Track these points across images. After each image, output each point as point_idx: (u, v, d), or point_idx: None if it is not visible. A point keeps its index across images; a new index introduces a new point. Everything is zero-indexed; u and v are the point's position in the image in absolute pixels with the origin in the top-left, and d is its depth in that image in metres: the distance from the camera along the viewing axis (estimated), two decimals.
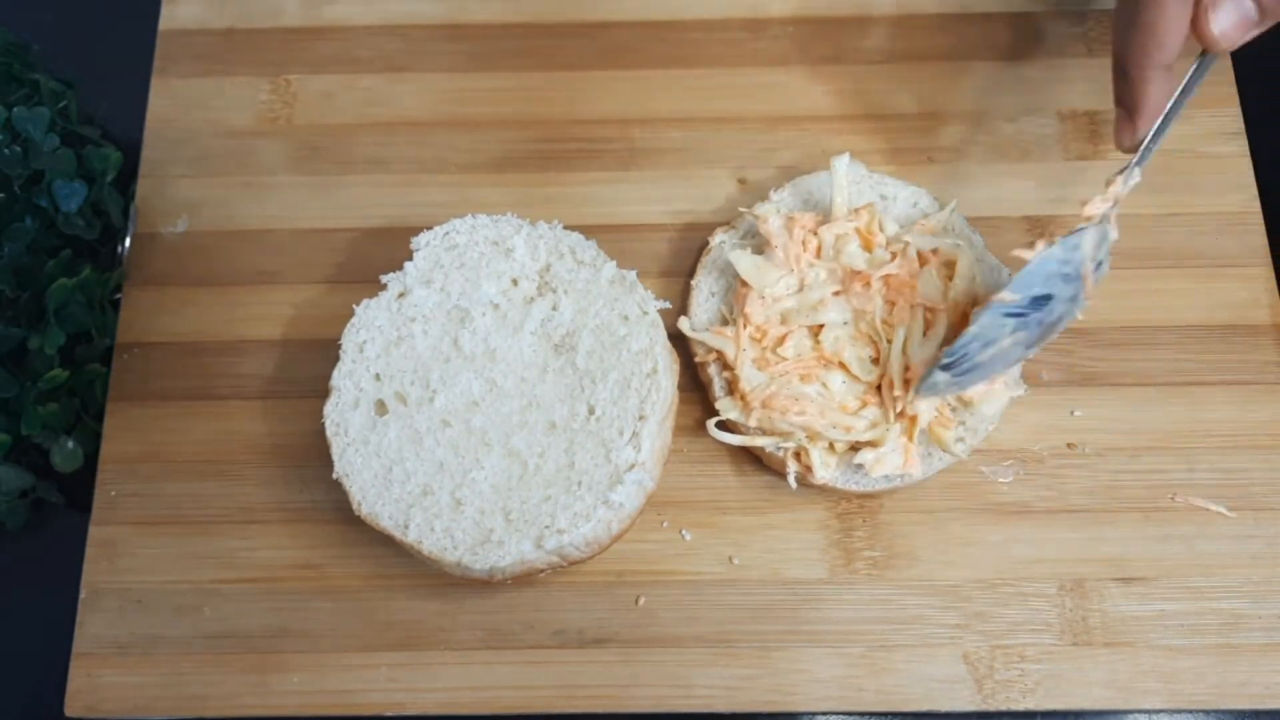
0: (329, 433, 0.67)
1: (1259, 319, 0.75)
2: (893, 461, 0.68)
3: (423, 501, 0.65)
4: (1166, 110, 0.64)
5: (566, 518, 0.64)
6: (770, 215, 0.72)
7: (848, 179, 0.73)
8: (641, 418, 0.66)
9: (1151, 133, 0.64)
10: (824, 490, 0.70)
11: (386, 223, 0.79)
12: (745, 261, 0.71)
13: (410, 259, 0.71)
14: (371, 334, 0.69)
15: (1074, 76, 0.82)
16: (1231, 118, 0.81)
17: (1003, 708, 0.67)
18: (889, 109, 0.82)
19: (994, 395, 0.69)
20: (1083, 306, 0.66)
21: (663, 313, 0.70)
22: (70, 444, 0.74)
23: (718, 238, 0.76)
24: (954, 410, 0.69)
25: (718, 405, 0.70)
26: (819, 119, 0.82)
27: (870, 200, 0.74)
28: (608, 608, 0.70)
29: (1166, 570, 0.70)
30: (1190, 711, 0.68)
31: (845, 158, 0.73)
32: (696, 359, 0.73)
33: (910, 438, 0.68)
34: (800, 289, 0.71)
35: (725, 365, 0.71)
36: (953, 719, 0.68)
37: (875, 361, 0.69)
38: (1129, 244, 0.77)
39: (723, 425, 0.71)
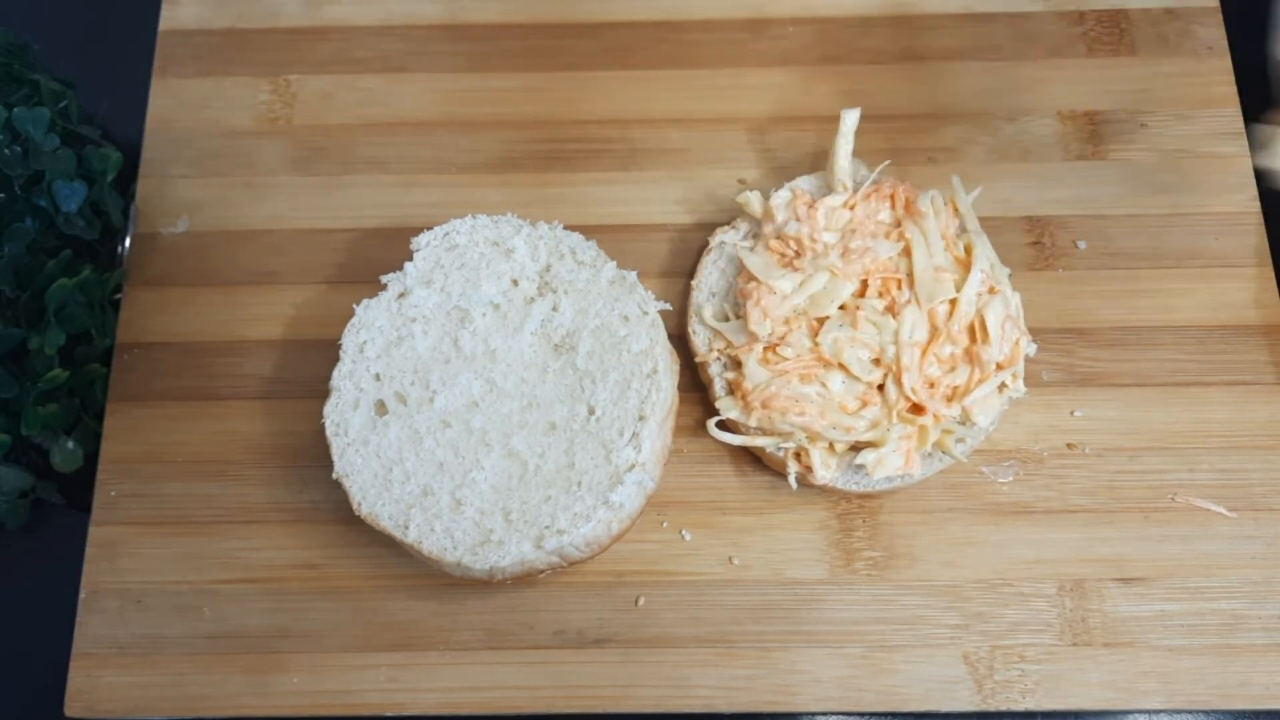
0: (329, 433, 0.67)
1: (1259, 319, 0.75)
2: (894, 462, 0.68)
3: (423, 502, 0.65)
4: None
5: (566, 518, 0.64)
6: (753, 199, 0.74)
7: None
8: (642, 418, 0.66)
9: None
10: (824, 490, 0.70)
11: (386, 223, 0.79)
12: (755, 259, 0.71)
13: (410, 259, 0.71)
14: (371, 334, 0.69)
15: (1074, 76, 0.82)
16: (1231, 118, 0.81)
17: (1003, 708, 0.67)
18: (889, 109, 0.81)
19: (990, 404, 0.69)
20: None
21: (664, 314, 0.70)
22: (70, 444, 0.74)
23: (718, 237, 0.76)
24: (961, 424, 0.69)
25: (718, 405, 0.70)
26: (819, 119, 0.81)
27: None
28: (608, 608, 0.70)
29: (1166, 570, 0.70)
30: (1190, 711, 0.68)
31: (856, 112, 0.73)
32: (697, 359, 0.73)
33: (920, 445, 0.68)
34: (803, 283, 0.71)
35: (726, 365, 0.71)
36: (953, 719, 0.68)
37: (876, 362, 0.69)
38: (1129, 244, 0.77)
39: (723, 425, 0.71)
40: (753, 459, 0.73)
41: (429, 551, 0.64)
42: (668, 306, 0.71)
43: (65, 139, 0.76)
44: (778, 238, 0.72)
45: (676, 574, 0.70)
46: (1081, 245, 0.77)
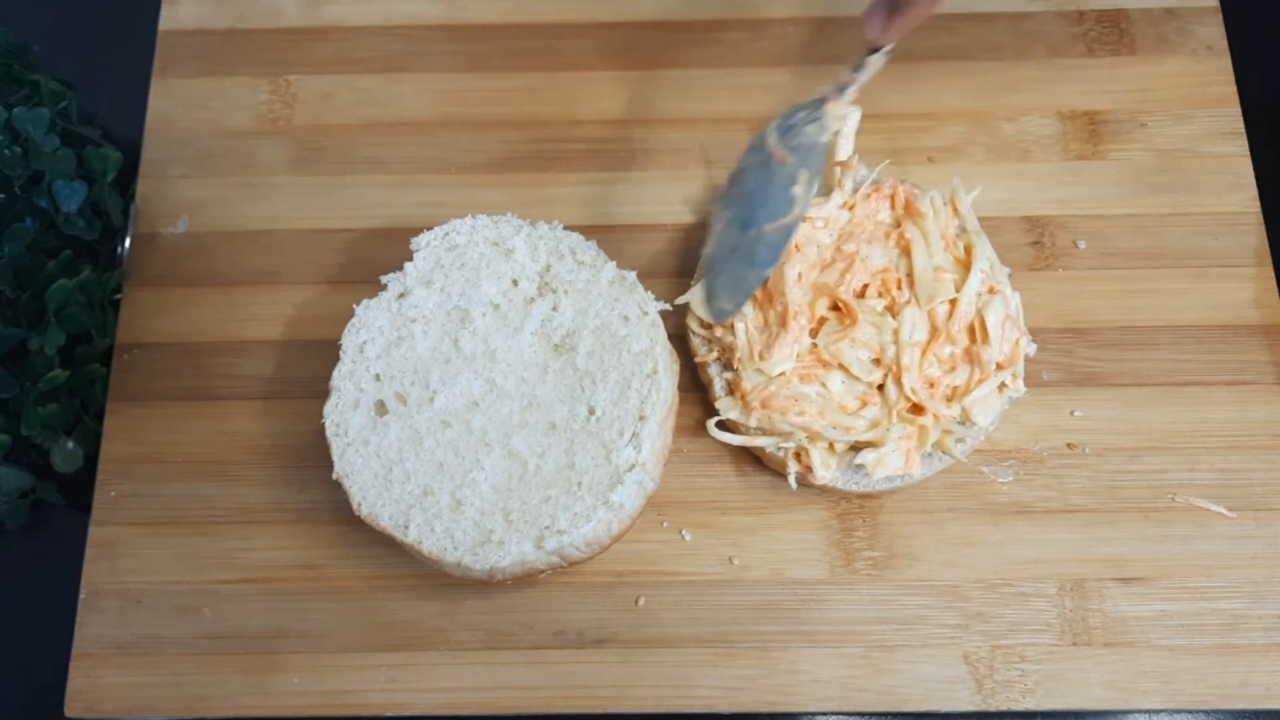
0: (329, 433, 0.67)
1: (1259, 319, 0.75)
2: (893, 462, 0.68)
3: (423, 502, 0.65)
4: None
5: (567, 518, 0.64)
6: None
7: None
8: (642, 418, 0.66)
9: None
10: (824, 490, 0.70)
11: (386, 223, 0.79)
12: None
13: (410, 259, 0.71)
14: (371, 334, 0.69)
15: (1074, 76, 0.82)
16: (1231, 118, 0.81)
17: (1003, 708, 0.67)
18: (889, 109, 0.81)
19: (990, 404, 0.69)
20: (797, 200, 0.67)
21: (664, 314, 0.70)
22: (70, 444, 0.74)
23: None
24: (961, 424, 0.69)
25: (718, 405, 0.70)
26: None
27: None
28: (608, 608, 0.70)
29: (1166, 570, 0.70)
30: (1190, 711, 0.68)
31: (856, 112, 0.73)
32: (697, 359, 0.73)
33: (920, 444, 0.68)
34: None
35: (726, 365, 0.71)
36: (953, 719, 0.68)
37: (876, 362, 0.69)
38: (1129, 244, 0.77)
39: (723, 425, 0.71)
40: (753, 459, 0.73)
41: (429, 551, 0.64)
42: (668, 306, 0.71)
43: (65, 139, 0.76)
44: None
45: (676, 574, 0.70)
46: (1081, 245, 0.77)
